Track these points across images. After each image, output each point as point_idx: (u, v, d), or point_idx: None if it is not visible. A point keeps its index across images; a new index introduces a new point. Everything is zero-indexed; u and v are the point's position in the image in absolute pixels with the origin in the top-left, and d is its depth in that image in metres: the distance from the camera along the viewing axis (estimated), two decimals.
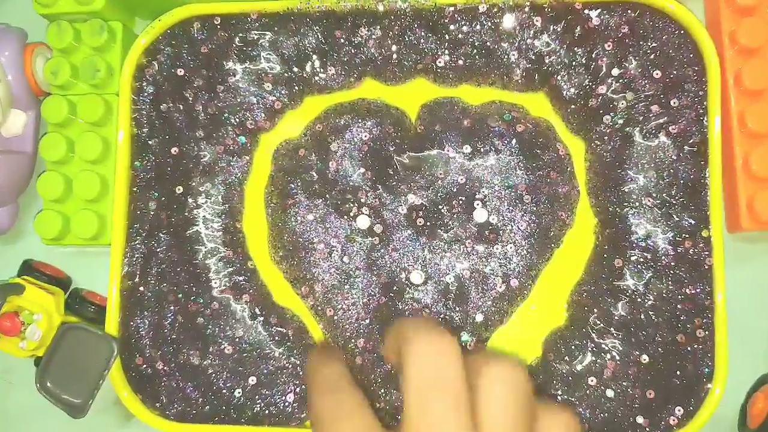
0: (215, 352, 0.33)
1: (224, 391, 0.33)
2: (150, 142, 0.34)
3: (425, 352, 0.20)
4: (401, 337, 0.21)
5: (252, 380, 0.33)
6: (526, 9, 0.32)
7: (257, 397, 0.33)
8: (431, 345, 0.20)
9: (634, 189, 0.32)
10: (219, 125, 0.34)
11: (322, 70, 0.34)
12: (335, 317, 0.33)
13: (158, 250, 0.34)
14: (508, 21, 0.33)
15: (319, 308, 0.33)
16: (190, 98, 0.34)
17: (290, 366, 0.33)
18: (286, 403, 0.33)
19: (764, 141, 0.31)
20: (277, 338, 0.33)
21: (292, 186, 0.34)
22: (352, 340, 0.33)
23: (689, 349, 0.30)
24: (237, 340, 0.33)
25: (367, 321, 0.33)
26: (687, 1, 0.33)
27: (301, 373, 0.32)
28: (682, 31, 0.32)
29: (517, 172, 0.33)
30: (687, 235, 0.31)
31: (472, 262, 0.32)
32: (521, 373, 0.20)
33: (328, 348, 0.32)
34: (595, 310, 0.31)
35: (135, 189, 0.34)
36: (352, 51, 0.34)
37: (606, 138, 0.32)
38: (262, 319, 0.33)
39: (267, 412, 0.33)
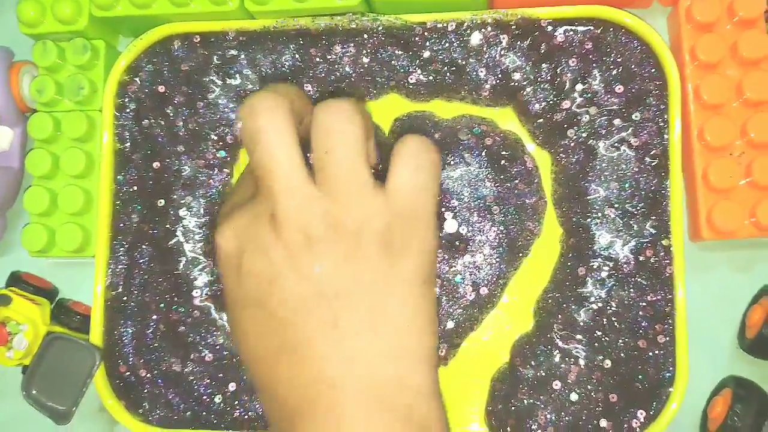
0: (196, 359, 0.34)
1: (205, 397, 0.34)
2: (132, 157, 0.35)
3: (247, 115, 0.24)
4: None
5: (232, 386, 0.34)
6: (493, 27, 0.34)
7: (237, 402, 0.34)
8: (251, 106, 0.24)
9: (597, 199, 0.33)
10: (199, 140, 0.35)
11: (298, 86, 0.35)
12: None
13: (141, 261, 0.35)
14: (476, 39, 0.34)
15: None
16: (171, 114, 0.35)
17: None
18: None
19: (722, 154, 0.32)
20: None
21: None
22: None
23: (651, 354, 0.31)
24: (217, 347, 0.34)
25: None
26: (652, 17, 0.35)
27: None
28: (644, 47, 0.33)
29: (486, 183, 0.34)
30: (648, 244, 0.32)
31: (443, 272, 0.34)
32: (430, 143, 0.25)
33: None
34: (560, 317, 0.32)
35: (118, 202, 0.35)
36: (327, 68, 0.35)
37: (570, 151, 0.33)
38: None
39: (246, 417, 0.34)
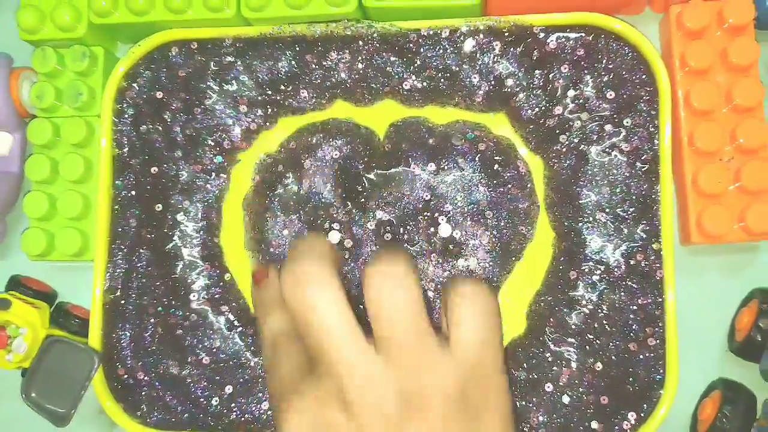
0: (193, 362, 0.34)
1: (202, 399, 0.34)
2: (130, 162, 0.36)
3: (291, 286, 0.22)
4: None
5: (228, 389, 0.34)
6: (486, 34, 0.34)
7: (233, 405, 0.34)
8: (295, 274, 0.23)
9: (588, 204, 0.33)
10: (196, 145, 0.36)
11: (294, 93, 0.36)
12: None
13: (139, 265, 0.35)
14: (469, 45, 0.34)
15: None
16: (169, 120, 0.36)
17: (259, 381, 0.34)
18: (261, 411, 0.34)
19: (712, 159, 0.33)
20: (253, 348, 0.35)
21: (269, 200, 0.35)
22: None
23: (641, 357, 0.32)
24: (214, 350, 0.34)
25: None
26: (644, 23, 0.35)
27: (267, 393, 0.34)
28: (635, 54, 0.33)
29: (480, 188, 0.34)
30: (639, 248, 0.32)
31: (437, 275, 0.34)
32: (489, 291, 0.22)
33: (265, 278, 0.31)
34: (552, 320, 0.33)
35: (116, 207, 0.36)
36: (323, 74, 0.35)
37: (562, 156, 0.34)
38: (239, 329, 0.35)
39: (243, 419, 0.34)
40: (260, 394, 0.34)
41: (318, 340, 0.22)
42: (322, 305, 0.22)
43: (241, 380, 0.34)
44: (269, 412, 0.34)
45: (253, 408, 0.34)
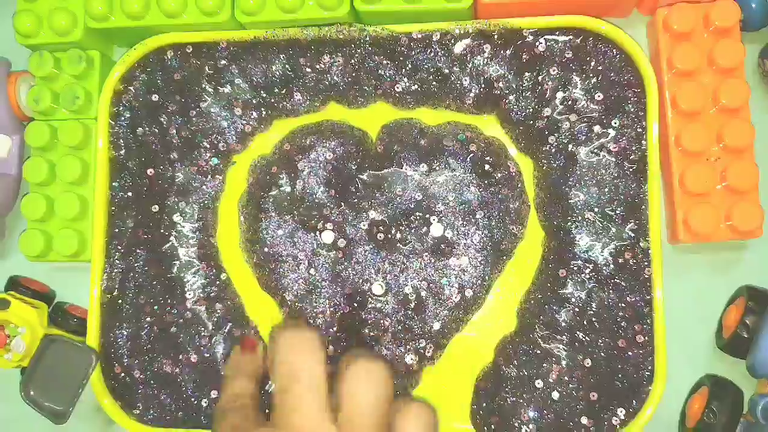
0: (184, 360, 0.35)
1: (193, 399, 0.35)
2: (127, 164, 0.36)
3: (283, 347, 0.24)
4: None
5: (213, 394, 0.35)
6: (476, 37, 0.34)
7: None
8: (289, 338, 0.24)
9: (577, 204, 0.34)
10: (192, 148, 0.36)
11: (288, 95, 0.36)
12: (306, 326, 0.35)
13: (135, 265, 0.36)
14: (460, 48, 0.35)
15: (292, 318, 0.35)
16: (165, 122, 0.36)
17: None
18: None
19: (698, 159, 0.33)
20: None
21: (264, 201, 0.36)
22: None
23: (630, 353, 0.32)
24: (201, 349, 0.35)
25: (334, 329, 0.35)
26: (632, 26, 0.36)
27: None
28: (622, 56, 0.34)
29: (471, 188, 0.35)
30: (627, 247, 0.33)
31: (429, 274, 0.34)
32: (432, 412, 0.24)
33: (252, 352, 0.33)
34: (542, 317, 0.33)
35: (113, 208, 0.36)
36: (316, 77, 0.36)
37: (552, 156, 0.34)
38: (226, 330, 0.35)
39: None
40: None
41: (292, 397, 0.24)
42: (307, 375, 0.24)
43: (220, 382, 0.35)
44: None
45: None
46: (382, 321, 0.34)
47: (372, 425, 0.23)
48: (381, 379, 0.24)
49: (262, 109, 0.36)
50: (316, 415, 0.23)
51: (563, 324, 0.33)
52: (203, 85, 0.36)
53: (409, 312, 0.34)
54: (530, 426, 0.32)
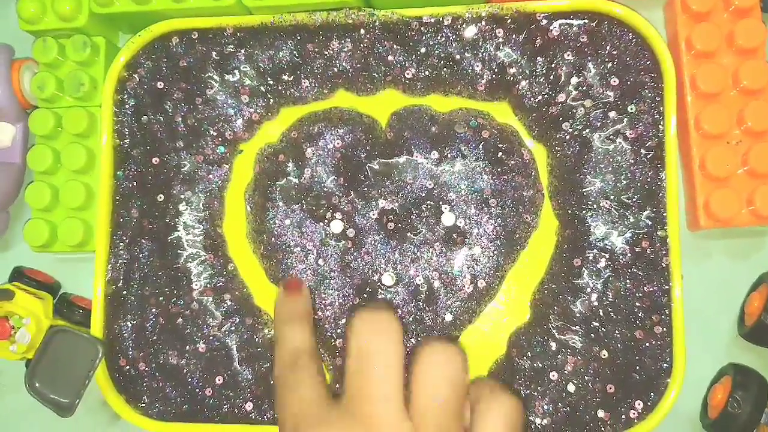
0: (191, 351, 0.34)
1: (197, 390, 0.34)
2: (132, 153, 0.36)
3: (361, 329, 0.22)
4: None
5: (219, 380, 0.34)
6: (489, 21, 0.34)
7: (224, 397, 0.34)
8: (368, 320, 0.23)
9: (592, 192, 0.33)
10: (198, 136, 0.36)
11: (296, 82, 0.35)
12: (315, 319, 0.34)
13: (140, 255, 0.35)
14: (472, 33, 0.34)
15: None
16: (170, 110, 0.36)
17: (249, 374, 0.34)
18: (247, 410, 0.34)
19: (719, 142, 0.32)
20: (245, 337, 0.34)
21: (272, 190, 0.35)
22: (332, 341, 0.34)
23: (648, 345, 0.32)
24: (211, 338, 0.34)
25: (344, 321, 0.34)
26: (648, 8, 0.35)
27: (256, 388, 0.34)
28: (639, 39, 0.33)
29: (483, 176, 0.34)
30: (644, 235, 0.32)
31: (440, 264, 0.34)
32: (520, 407, 0.22)
33: (298, 293, 0.32)
34: (556, 308, 0.32)
35: (118, 198, 0.36)
36: (325, 64, 0.35)
37: (566, 144, 0.33)
38: (237, 319, 0.35)
39: (234, 413, 0.34)
40: (243, 392, 0.34)
41: (367, 385, 0.23)
42: (386, 357, 0.23)
43: (230, 372, 0.34)
44: (254, 412, 0.34)
45: (240, 403, 0.34)
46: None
47: (446, 416, 0.22)
48: (455, 365, 0.23)
49: (270, 96, 0.36)
50: (389, 406, 0.22)
51: (578, 315, 0.32)
52: (209, 72, 0.35)
53: (420, 303, 0.34)
54: (545, 419, 0.32)
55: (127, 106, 0.36)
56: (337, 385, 0.33)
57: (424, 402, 0.22)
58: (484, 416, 0.22)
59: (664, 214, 0.32)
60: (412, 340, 0.33)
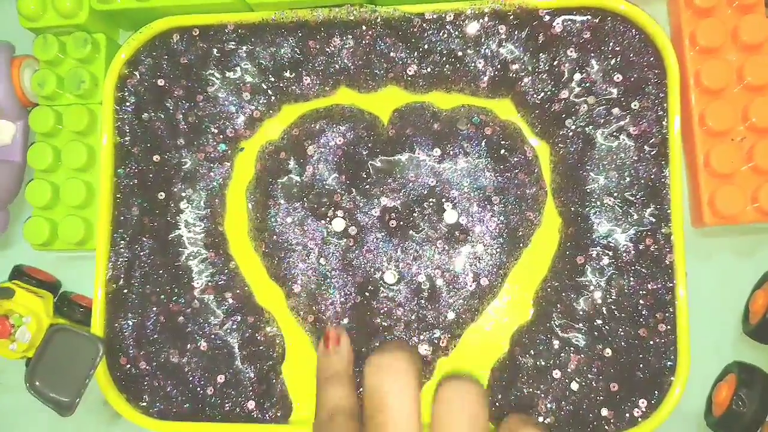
0: (192, 349, 0.34)
1: (198, 388, 0.34)
2: (133, 150, 0.36)
3: (375, 370, 0.23)
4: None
5: (221, 378, 0.34)
6: (491, 17, 0.33)
7: (225, 396, 0.34)
8: (383, 361, 0.23)
9: (595, 189, 0.33)
10: (199, 133, 0.35)
11: (297, 79, 0.35)
12: (316, 318, 0.34)
13: (141, 253, 0.35)
14: (474, 29, 0.34)
15: (300, 310, 0.34)
16: (171, 107, 0.36)
17: (251, 373, 0.34)
18: (249, 409, 0.34)
19: (723, 139, 0.32)
20: (246, 336, 0.34)
21: (273, 188, 0.35)
22: None
23: (652, 343, 0.31)
24: (212, 337, 0.34)
25: (345, 321, 0.34)
26: (652, 4, 0.34)
27: (257, 386, 0.34)
28: (642, 36, 0.33)
29: (486, 174, 0.34)
30: (648, 233, 0.32)
31: (443, 262, 0.34)
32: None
33: (337, 346, 0.32)
34: (559, 306, 0.32)
35: (118, 195, 0.35)
36: (326, 60, 0.35)
37: (569, 141, 0.33)
38: (238, 318, 0.34)
39: (236, 412, 0.34)
40: (245, 390, 0.34)
41: (380, 425, 0.23)
42: (401, 399, 0.23)
43: (231, 371, 0.34)
44: (255, 411, 0.34)
45: (242, 402, 0.34)
46: (394, 311, 0.33)
47: None
48: (474, 402, 0.22)
49: (271, 93, 0.35)
50: None
51: (581, 312, 0.32)
52: (210, 69, 0.35)
53: (423, 301, 0.33)
54: (548, 418, 0.31)
55: (127, 104, 0.36)
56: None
57: None
58: None
59: (668, 211, 0.32)
60: (414, 338, 0.33)
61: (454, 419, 0.22)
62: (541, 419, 0.31)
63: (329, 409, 0.27)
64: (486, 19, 0.34)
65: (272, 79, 0.35)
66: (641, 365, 0.31)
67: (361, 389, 0.26)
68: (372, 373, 0.23)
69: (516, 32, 0.33)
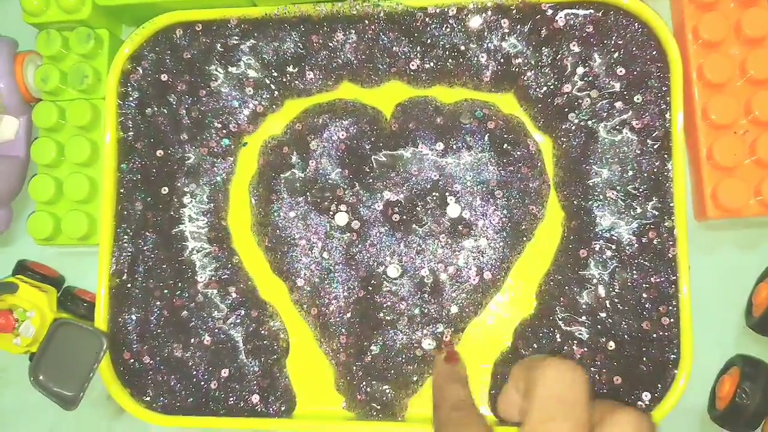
0: (196, 343, 0.34)
1: (202, 383, 0.34)
2: (136, 145, 0.36)
3: (554, 376, 0.22)
4: (533, 365, 0.22)
5: (225, 372, 0.34)
6: (494, 11, 0.33)
7: (229, 390, 0.34)
8: (561, 371, 0.22)
9: (598, 182, 0.33)
10: (202, 128, 0.35)
11: (300, 74, 0.35)
12: (319, 312, 0.34)
13: (145, 248, 0.35)
14: (477, 24, 0.34)
15: (304, 304, 0.34)
16: (174, 102, 0.36)
17: (255, 366, 0.34)
18: (253, 403, 0.34)
19: (726, 132, 0.32)
20: (250, 330, 0.34)
21: (276, 182, 0.35)
22: (336, 337, 0.34)
23: (655, 336, 0.31)
24: (216, 331, 0.34)
25: (348, 315, 0.34)
26: None
27: (262, 380, 0.34)
28: (645, 29, 0.33)
29: (489, 168, 0.34)
30: (651, 226, 0.32)
31: (446, 256, 0.34)
32: (648, 422, 0.21)
33: (455, 362, 0.33)
34: (562, 299, 0.32)
35: (122, 190, 0.35)
36: (329, 55, 0.35)
37: (572, 134, 0.33)
38: (242, 312, 0.34)
39: (240, 406, 0.34)
40: (250, 384, 0.34)
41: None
42: (572, 414, 0.21)
43: (235, 365, 0.34)
44: (260, 405, 0.34)
45: (246, 396, 0.34)
46: (397, 305, 0.33)
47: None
48: (576, 383, 0.21)
49: (274, 88, 0.36)
50: None
51: (585, 306, 0.32)
52: (213, 64, 0.35)
53: (426, 295, 0.33)
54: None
55: (130, 99, 0.36)
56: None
57: (543, 419, 0.21)
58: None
59: (671, 205, 0.32)
60: (418, 332, 0.33)
61: (556, 402, 0.21)
62: None
63: (455, 399, 0.28)
64: (489, 13, 0.34)
65: (275, 74, 0.35)
66: (645, 358, 0.31)
67: None
68: (553, 381, 0.22)
69: (519, 26, 0.33)
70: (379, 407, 0.33)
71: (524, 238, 0.34)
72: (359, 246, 0.34)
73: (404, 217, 0.34)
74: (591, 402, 0.22)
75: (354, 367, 0.33)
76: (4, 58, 0.36)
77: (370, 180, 0.34)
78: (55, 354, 0.33)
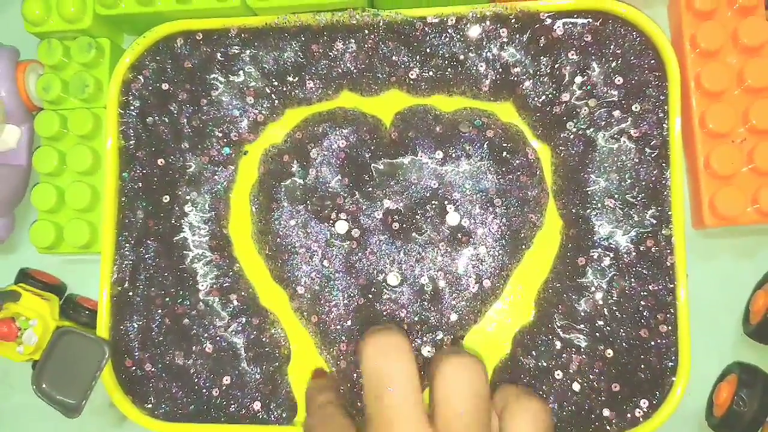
0: (197, 351, 0.34)
1: (204, 390, 0.34)
2: (137, 154, 0.36)
3: (373, 353, 0.22)
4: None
5: (226, 380, 0.34)
6: (493, 21, 0.34)
7: (230, 397, 0.34)
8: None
9: (596, 191, 0.33)
10: (203, 137, 0.36)
11: (300, 83, 0.35)
12: (320, 320, 0.34)
13: (146, 256, 0.35)
14: (476, 33, 0.34)
15: (304, 311, 0.35)
16: (175, 111, 0.36)
17: (257, 374, 0.34)
18: (255, 410, 0.34)
19: (724, 141, 0.32)
20: (251, 337, 0.34)
21: (276, 191, 0.35)
22: (336, 344, 0.34)
23: (653, 343, 0.32)
24: (218, 338, 0.34)
25: (349, 322, 0.34)
26: (652, 6, 0.35)
27: (263, 387, 0.34)
28: (643, 38, 0.33)
29: (488, 176, 0.34)
30: (649, 234, 0.32)
31: (445, 264, 0.34)
32: (547, 411, 0.22)
33: (324, 377, 0.33)
34: (560, 307, 0.32)
35: (123, 199, 0.36)
36: (329, 64, 0.35)
37: (570, 143, 0.33)
38: (243, 319, 0.35)
39: (242, 413, 0.34)
40: (252, 392, 0.34)
41: (386, 408, 0.22)
42: (401, 378, 0.23)
43: (237, 372, 0.34)
44: (261, 412, 0.34)
45: (247, 403, 0.34)
46: (397, 312, 0.34)
47: (473, 428, 0.22)
48: (475, 375, 0.22)
49: (274, 97, 0.36)
50: (412, 428, 0.22)
51: (583, 314, 0.32)
52: (214, 74, 0.36)
53: (426, 303, 0.34)
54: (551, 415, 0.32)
55: (132, 108, 0.36)
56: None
57: (448, 417, 0.22)
58: (511, 423, 0.22)
59: (669, 213, 0.32)
60: (418, 340, 0.33)
61: (458, 395, 0.22)
62: None
63: (318, 404, 0.28)
64: (487, 22, 0.34)
65: (275, 83, 0.35)
66: (642, 366, 0.31)
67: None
68: (371, 356, 0.23)
69: (517, 35, 0.34)
70: None
71: (523, 246, 0.34)
72: (359, 254, 0.34)
73: (404, 225, 0.34)
74: (491, 392, 0.22)
75: (354, 375, 0.34)
76: (6, 67, 0.36)
77: (370, 188, 0.35)
78: (57, 362, 0.34)
